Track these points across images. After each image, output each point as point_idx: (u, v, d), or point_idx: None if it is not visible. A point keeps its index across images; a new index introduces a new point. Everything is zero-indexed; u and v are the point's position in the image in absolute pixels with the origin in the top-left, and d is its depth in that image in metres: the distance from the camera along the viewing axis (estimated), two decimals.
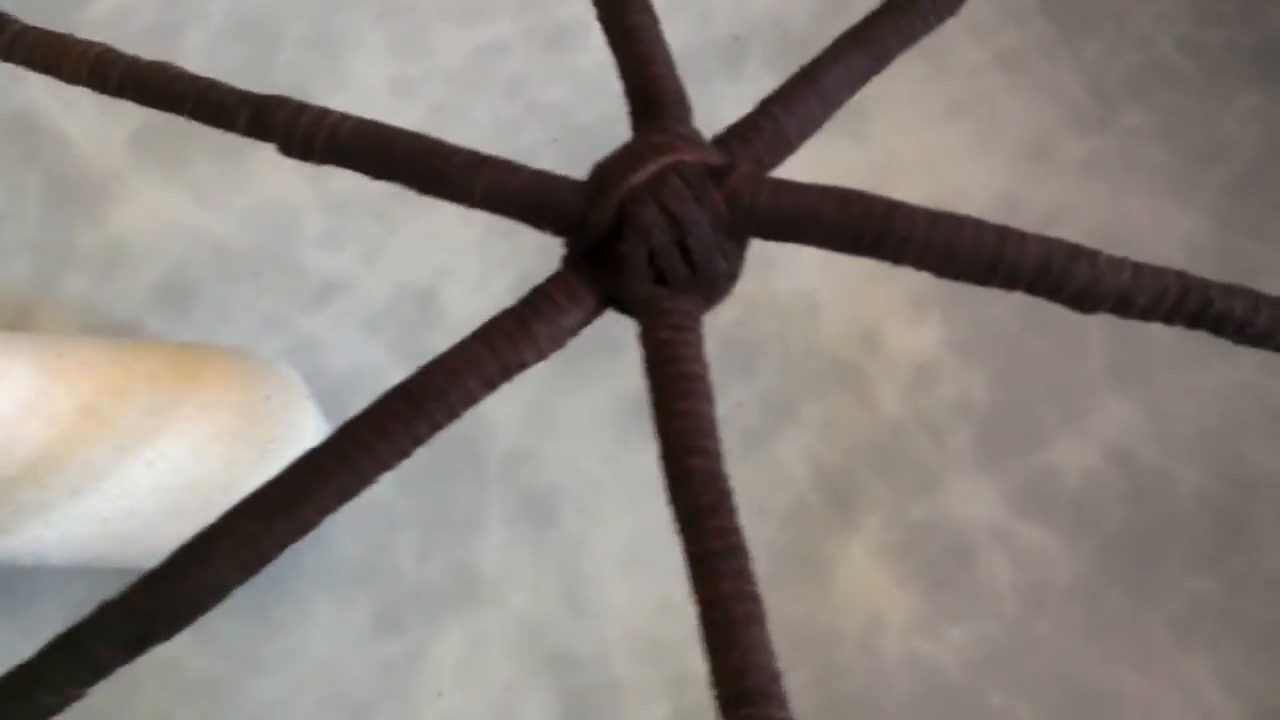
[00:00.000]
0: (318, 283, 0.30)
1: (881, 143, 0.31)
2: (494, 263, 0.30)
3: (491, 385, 0.20)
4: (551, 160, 0.33)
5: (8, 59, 0.22)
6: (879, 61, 0.23)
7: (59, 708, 0.17)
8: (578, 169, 0.33)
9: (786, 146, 0.22)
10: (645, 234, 0.19)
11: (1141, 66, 0.32)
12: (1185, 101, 0.32)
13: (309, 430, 0.25)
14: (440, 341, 0.31)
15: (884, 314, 0.29)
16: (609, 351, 0.29)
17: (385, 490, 0.28)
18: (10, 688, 0.17)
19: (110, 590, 0.26)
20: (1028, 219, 0.30)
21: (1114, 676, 0.25)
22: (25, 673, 0.17)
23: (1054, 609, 0.26)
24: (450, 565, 0.27)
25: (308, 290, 0.29)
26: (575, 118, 0.32)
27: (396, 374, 0.31)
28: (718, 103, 0.33)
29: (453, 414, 0.19)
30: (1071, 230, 0.30)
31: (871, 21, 0.22)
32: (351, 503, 0.18)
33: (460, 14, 0.33)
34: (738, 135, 0.21)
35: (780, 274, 0.29)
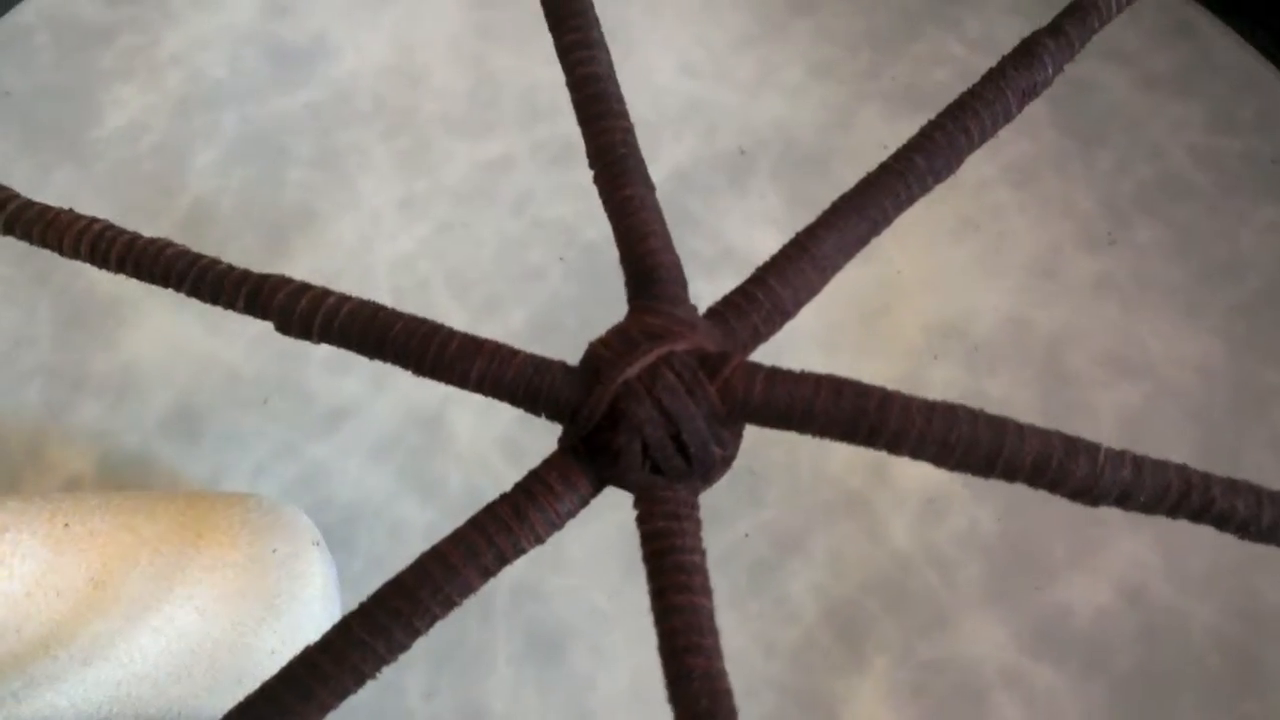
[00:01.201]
0: (326, 409, 0.30)
1: (889, 262, 0.31)
2: None
3: (488, 574, 0.20)
4: (559, 277, 0.34)
5: (7, 233, 0.22)
6: (875, 226, 0.23)
7: None
8: (585, 285, 0.34)
9: (782, 316, 0.22)
10: (639, 428, 0.20)
11: (1154, 179, 0.32)
12: (1199, 216, 0.32)
13: (316, 580, 0.25)
14: (448, 468, 0.31)
15: None
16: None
17: None
18: None
19: None
20: (1037, 340, 0.30)
21: None
22: None
23: None
24: (459, 705, 0.27)
25: (316, 417, 0.30)
26: (581, 234, 0.32)
27: (404, 502, 0.31)
28: (725, 216, 0.33)
29: (449, 605, 0.20)
30: (1082, 353, 0.30)
31: (867, 186, 0.23)
32: None
33: (465, 130, 0.33)
34: (733, 307, 0.22)
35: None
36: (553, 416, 0.21)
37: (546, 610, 0.28)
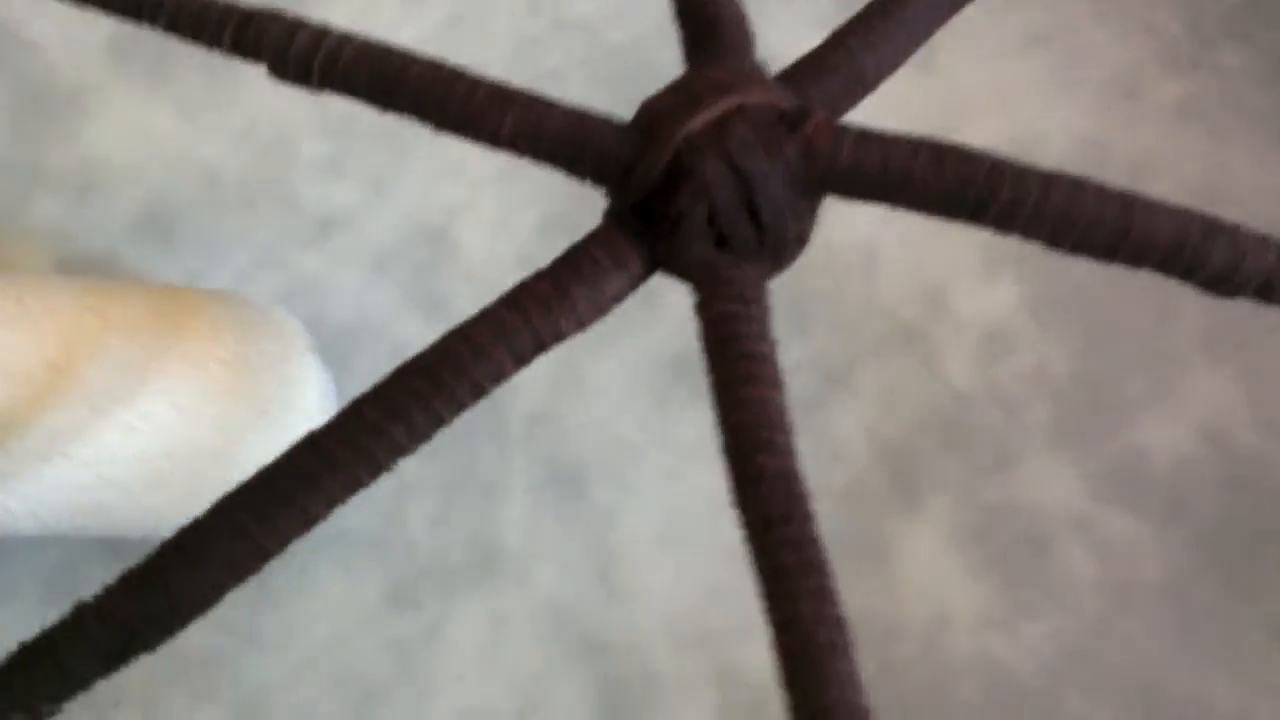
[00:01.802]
0: (317, 215, 0.27)
1: (951, 76, 0.28)
2: (517, 197, 0.27)
3: (523, 360, 0.17)
4: (581, 85, 0.30)
5: None
6: (943, 12, 0.19)
7: None
8: (611, 96, 0.30)
9: (863, 87, 0.19)
10: (705, 190, 0.16)
11: (1243, 2, 0.29)
12: None
13: (311, 388, 0.22)
14: (456, 287, 0.28)
15: (951, 269, 0.26)
16: (646, 303, 0.26)
17: None
18: None
19: (87, 556, 0.23)
20: (1116, 168, 0.27)
21: (1204, 683, 0.23)
22: None
23: (1139, 607, 0.24)
24: (469, 537, 0.24)
25: (306, 224, 0.27)
26: (606, 36, 0.28)
27: (406, 322, 0.28)
28: (769, 26, 0.29)
29: (479, 392, 0.17)
30: (1165, 181, 0.27)
31: None
32: None
33: None
34: (808, 73, 0.18)
35: (835, 221, 0.26)
36: (600, 180, 0.17)
37: (568, 440, 0.25)
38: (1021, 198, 0.17)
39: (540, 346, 0.17)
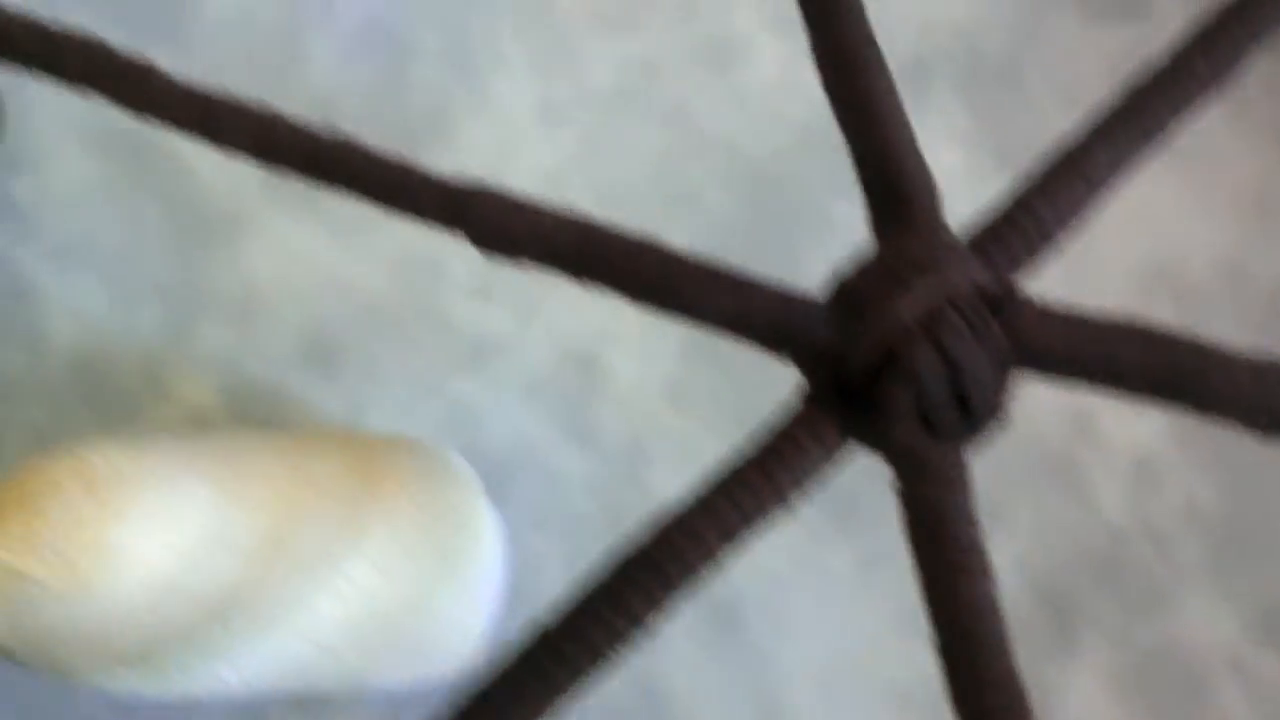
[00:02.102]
0: (470, 342, 0.27)
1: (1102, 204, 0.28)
2: (658, 322, 0.28)
3: (734, 542, 0.17)
4: (720, 201, 0.31)
5: (150, 112, 0.19)
6: (1151, 138, 0.20)
7: None
8: (752, 212, 0.31)
9: (1047, 242, 0.19)
10: (916, 378, 0.17)
11: None
12: None
13: (488, 537, 0.23)
14: (607, 415, 0.29)
15: (1101, 400, 0.26)
16: None
17: (556, 583, 0.27)
18: None
19: (275, 706, 0.24)
20: (1259, 286, 0.27)
21: None
22: None
23: None
24: (633, 676, 0.25)
25: (460, 350, 0.27)
26: (745, 150, 0.29)
27: (560, 451, 0.28)
28: None
29: (694, 577, 0.17)
30: None
31: (1140, 91, 0.19)
32: None
33: (608, 24, 0.30)
34: (994, 232, 0.19)
35: None
36: (803, 361, 0.18)
37: (721, 578, 0.26)
38: (1229, 389, 0.17)
39: (749, 528, 0.17)
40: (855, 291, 0.18)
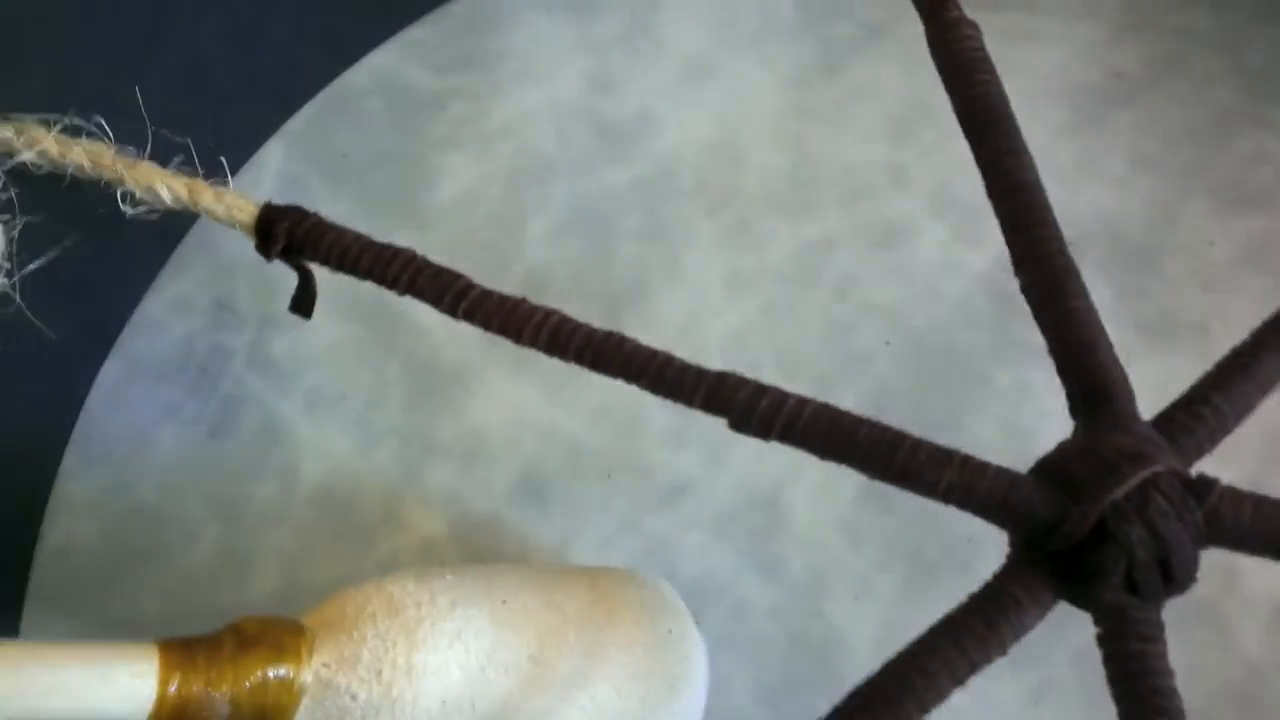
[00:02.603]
0: (665, 484, 0.31)
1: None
2: (834, 467, 0.31)
3: (959, 684, 0.20)
4: (886, 365, 0.34)
5: (465, 319, 0.23)
6: None
7: None
8: (912, 371, 0.34)
9: (1224, 432, 0.22)
10: (1128, 550, 0.20)
11: None
12: None
13: (700, 660, 0.25)
14: (787, 549, 0.32)
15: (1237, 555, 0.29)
16: (959, 568, 0.29)
17: (743, 702, 0.29)
18: None
19: None
20: None
21: None
22: None
23: None
24: None
25: (656, 491, 0.30)
26: (907, 319, 0.32)
27: (746, 581, 0.31)
28: None
29: (924, 714, 0.20)
30: None
31: None
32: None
33: (787, 207, 0.34)
34: (1180, 424, 0.22)
35: None
36: (1020, 530, 0.21)
37: None
38: None
39: (973, 671, 0.20)
40: (1073, 474, 0.21)
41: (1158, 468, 0.20)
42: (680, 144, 0.35)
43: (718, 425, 0.32)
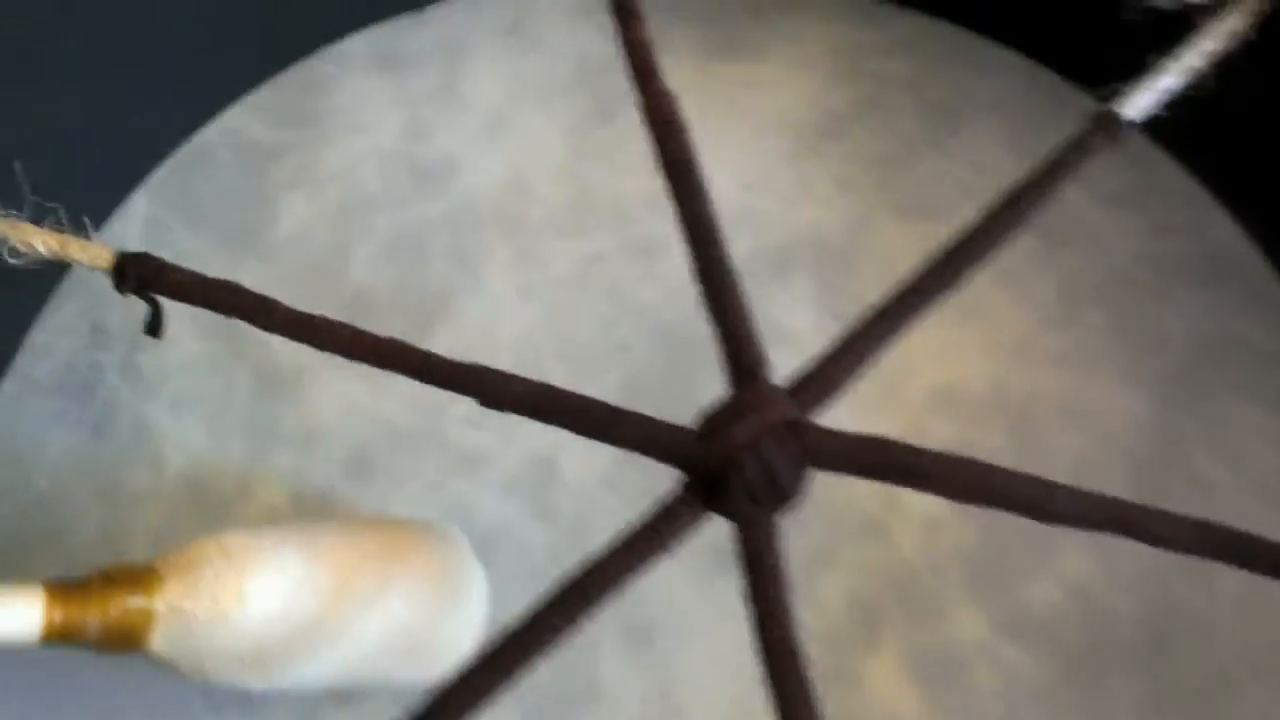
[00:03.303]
0: (465, 455, 0.38)
1: (906, 346, 0.40)
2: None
3: (635, 576, 0.28)
4: (644, 352, 0.43)
5: (278, 333, 0.30)
6: (897, 330, 0.31)
7: None
8: (664, 354, 0.42)
9: (836, 390, 0.31)
10: (747, 477, 0.28)
11: (1105, 274, 0.41)
12: (1138, 302, 0.41)
13: (478, 583, 0.33)
14: (561, 500, 0.40)
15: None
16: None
17: None
18: None
19: (331, 704, 0.34)
20: (1012, 403, 0.39)
21: None
22: None
23: (1024, 707, 0.35)
24: (576, 677, 0.35)
25: (457, 460, 0.38)
26: (662, 315, 0.41)
27: (529, 527, 0.40)
28: (769, 302, 0.42)
29: (607, 599, 0.28)
30: (1045, 411, 0.39)
31: (891, 301, 0.31)
32: None
33: (566, 231, 0.42)
34: (802, 384, 0.30)
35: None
36: (679, 465, 0.29)
37: (640, 609, 0.36)
38: (930, 473, 0.28)
39: (645, 568, 0.28)
40: (717, 422, 0.29)
41: (770, 416, 0.29)
42: (480, 182, 0.43)
43: None
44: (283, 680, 0.30)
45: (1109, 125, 0.32)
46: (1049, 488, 0.28)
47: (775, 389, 0.30)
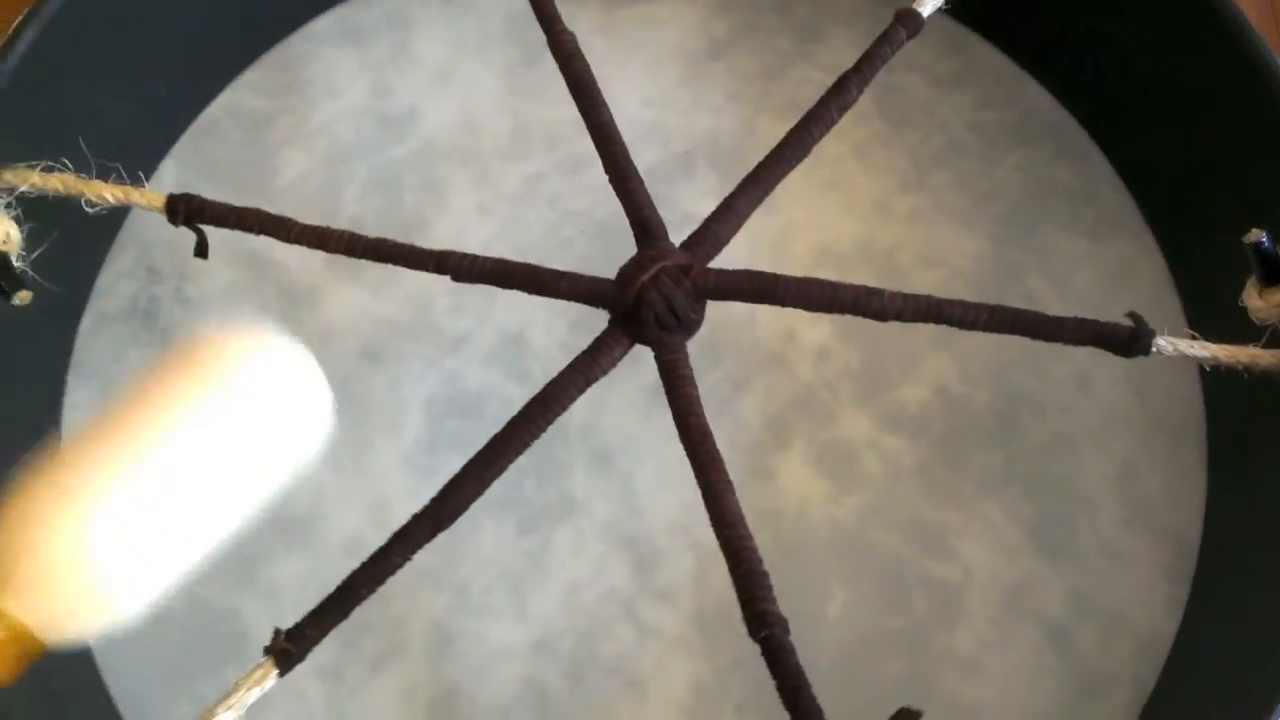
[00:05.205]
0: (452, 337, 0.47)
1: (785, 213, 0.49)
2: (556, 314, 0.48)
3: (580, 393, 0.38)
4: (584, 245, 0.52)
5: (296, 243, 0.39)
6: (766, 190, 0.40)
7: None
8: (599, 247, 0.51)
9: (721, 243, 0.40)
10: (652, 308, 0.37)
11: (943, 143, 0.50)
12: (972, 163, 0.50)
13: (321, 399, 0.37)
14: (533, 366, 0.49)
15: (796, 320, 0.47)
16: (634, 363, 0.47)
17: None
18: None
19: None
20: (878, 253, 0.48)
21: (939, 514, 0.44)
22: None
23: (904, 481, 0.44)
24: (556, 493, 0.45)
25: (446, 342, 0.47)
26: (594, 216, 0.50)
27: (507, 387, 0.49)
28: (679, 196, 0.51)
29: (561, 411, 0.37)
30: (905, 256, 0.48)
31: (758, 169, 0.40)
32: None
33: (511, 157, 0.51)
34: (693, 240, 0.39)
35: (731, 304, 0.48)
36: (604, 306, 0.38)
37: (602, 437, 0.46)
38: (789, 293, 0.37)
39: (586, 387, 0.37)
40: (626, 273, 0.38)
41: (666, 262, 0.38)
42: (437, 125, 0.51)
43: (481, 296, 0.48)
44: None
45: (909, 20, 0.41)
46: (878, 293, 0.37)
47: (670, 245, 0.39)
